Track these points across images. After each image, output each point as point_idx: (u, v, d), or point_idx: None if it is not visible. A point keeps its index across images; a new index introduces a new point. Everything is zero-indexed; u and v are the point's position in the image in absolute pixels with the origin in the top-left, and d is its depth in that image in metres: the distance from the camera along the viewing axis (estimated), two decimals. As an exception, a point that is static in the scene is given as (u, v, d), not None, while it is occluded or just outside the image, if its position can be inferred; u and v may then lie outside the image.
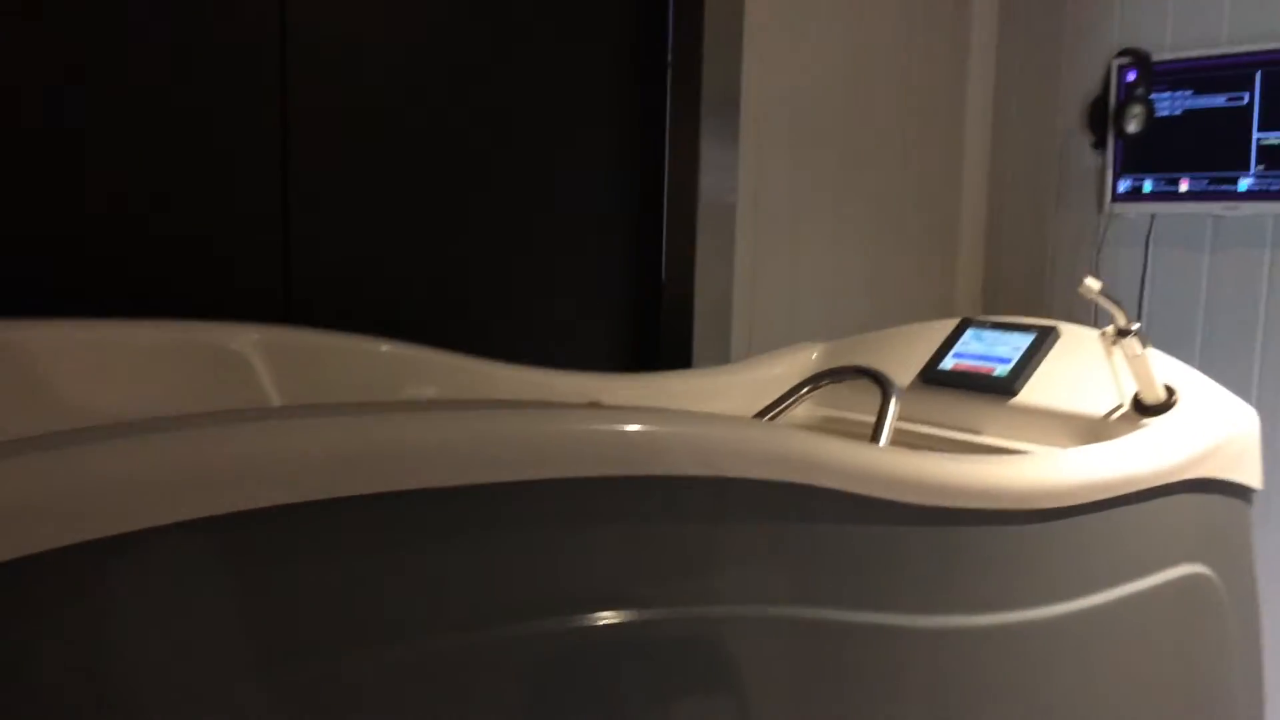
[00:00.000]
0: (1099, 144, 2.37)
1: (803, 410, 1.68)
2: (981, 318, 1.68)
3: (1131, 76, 2.26)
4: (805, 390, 1.48)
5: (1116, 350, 1.46)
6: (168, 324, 1.28)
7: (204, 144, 1.60)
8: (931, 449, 1.55)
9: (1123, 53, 2.28)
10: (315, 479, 0.69)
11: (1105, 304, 1.35)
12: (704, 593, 0.89)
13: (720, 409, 1.70)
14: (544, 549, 0.80)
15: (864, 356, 1.77)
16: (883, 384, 1.39)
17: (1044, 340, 1.56)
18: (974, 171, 2.60)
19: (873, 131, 2.43)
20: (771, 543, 0.92)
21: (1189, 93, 2.18)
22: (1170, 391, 1.38)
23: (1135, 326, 1.35)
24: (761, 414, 1.49)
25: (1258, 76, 2.07)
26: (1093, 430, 1.44)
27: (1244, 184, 2.10)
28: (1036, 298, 2.52)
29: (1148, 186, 2.25)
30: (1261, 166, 2.08)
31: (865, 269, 2.45)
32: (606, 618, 0.83)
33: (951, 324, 1.70)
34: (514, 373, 1.55)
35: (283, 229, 1.72)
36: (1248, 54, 2.09)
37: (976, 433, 1.55)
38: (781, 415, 1.50)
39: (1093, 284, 1.35)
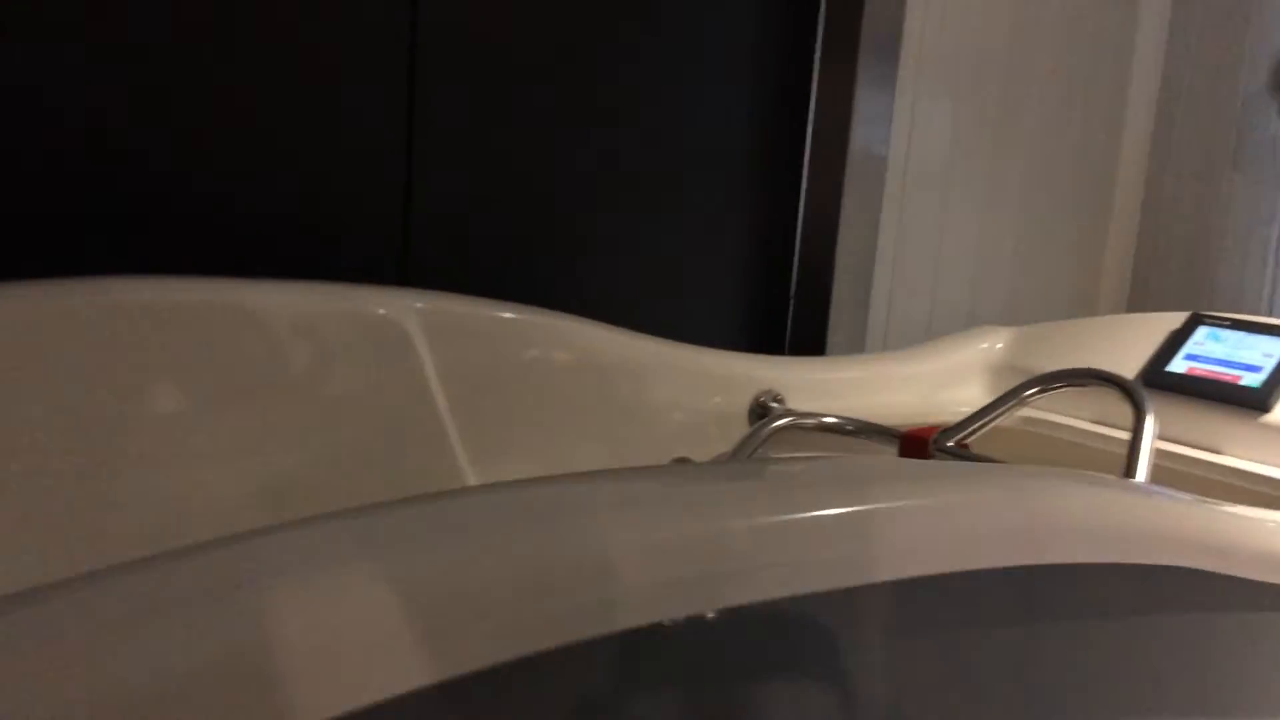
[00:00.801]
0: (1290, 109, 2.12)
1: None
2: (1217, 314, 1.44)
3: (1344, 34, 1.99)
4: (1033, 393, 1.26)
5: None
6: (318, 286, 1.07)
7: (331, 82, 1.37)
8: (1164, 467, 1.34)
9: (1335, 7, 2.01)
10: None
11: None
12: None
13: (902, 401, 1.48)
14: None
15: (1063, 348, 1.54)
16: (1136, 400, 1.17)
17: (1306, 346, 1.33)
18: (1136, 131, 2.34)
19: (1034, 82, 2.17)
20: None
21: None
22: None
23: None
24: (976, 417, 1.27)
25: None
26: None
27: None
28: (1197, 276, 2.28)
29: (1350, 161, 2.00)
30: None
31: (1014, 234, 2.21)
32: None
33: (1176, 318, 1.47)
34: (670, 350, 1.33)
35: (406, 169, 1.49)
36: None
37: (1215, 451, 1.33)
38: (998, 421, 1.28)
39: None
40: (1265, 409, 1.31)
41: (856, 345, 2.03)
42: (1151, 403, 1.17)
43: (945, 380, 1.54)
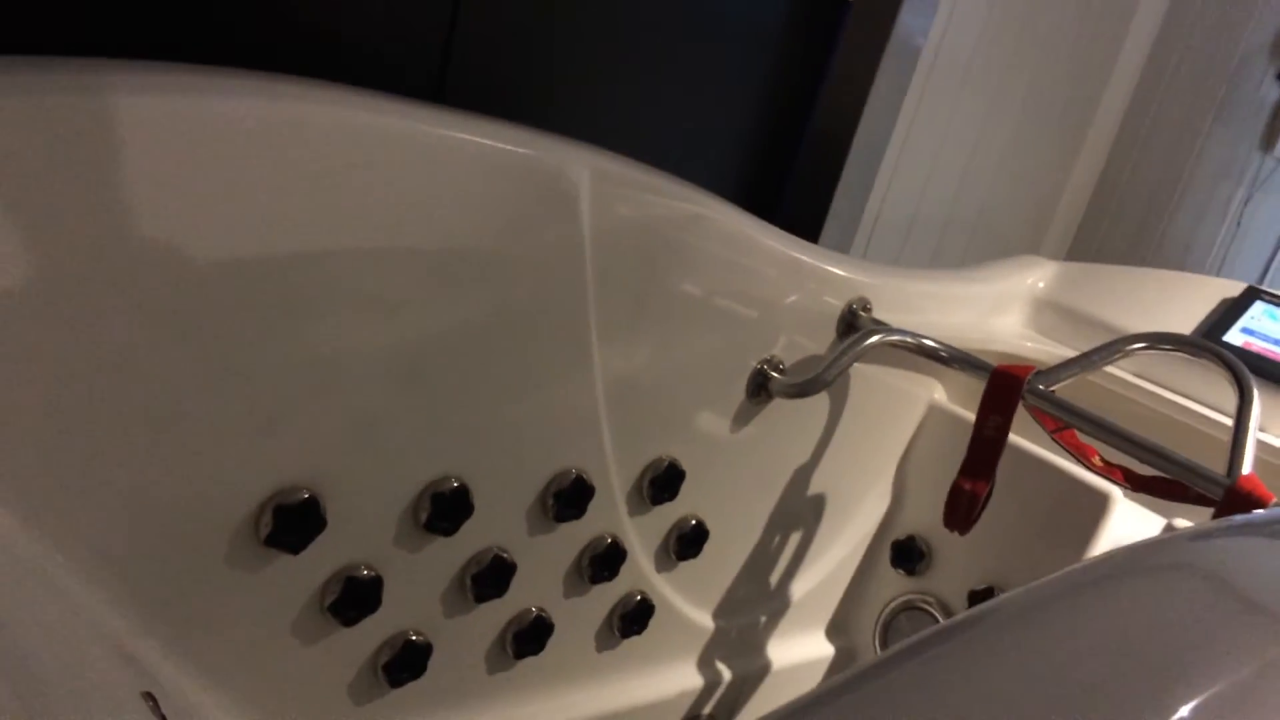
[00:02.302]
0: (1286, 77, 2.15)
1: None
2: (1272, 291, 1.45)
3: (1363, 16, 2.02)
4: (1137, 347, 1.22)
5: None
6: (499, 127, 0.87)
7: None
8: (1202, 434, 1.35)
9: (1361, -15, 2.03)
10: None
11: None
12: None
13: (956, 323, 1.43)
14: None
15: (1107, 295, 1.52)
16: (1244, 387, 1.15)
17: (1364, 341, 1.36)
18: (1128, 65, 2.32)
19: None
20: None
21: None
22: None
23: None
24: (1072, 365, 1.22)
25: None
26: None
27: None
28: (1151, 221, 2.32)
29: (1334, 142, 2.06)
30: None
31: (1001, 147, 2.18)
32: None
33: (1228, 286, 1.48)
34: (791, 246, 1.21)
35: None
36: None
37: (1263, 431, 1.35)
38: (1088, 369, 1.24)
39: None
40: (1320, 397, 1.33)
41: (848, 237, 1.96)
42: (1255, 389, 1.16)
43: (994, 307, 1.50)
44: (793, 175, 1.91)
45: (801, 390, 1.20)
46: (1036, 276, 1.55)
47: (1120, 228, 2.35)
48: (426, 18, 1.28)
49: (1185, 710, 0.42)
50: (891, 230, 2.04)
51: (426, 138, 0.82)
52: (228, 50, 1.11)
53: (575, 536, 1.10)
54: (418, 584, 0.98)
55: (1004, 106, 2.12)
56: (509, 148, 0.86)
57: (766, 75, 1.78)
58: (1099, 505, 1.29)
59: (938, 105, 1.98)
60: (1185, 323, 1.45)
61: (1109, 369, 1.30)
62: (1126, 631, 0.48)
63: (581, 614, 1.15)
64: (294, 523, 0.85)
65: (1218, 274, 2.19)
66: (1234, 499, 1.06)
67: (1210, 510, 1.08)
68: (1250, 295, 1.45)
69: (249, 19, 1.11)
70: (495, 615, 1.06)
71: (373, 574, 0.93)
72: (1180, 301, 1.48)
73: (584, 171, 0.94)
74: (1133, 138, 2.34)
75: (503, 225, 0.88)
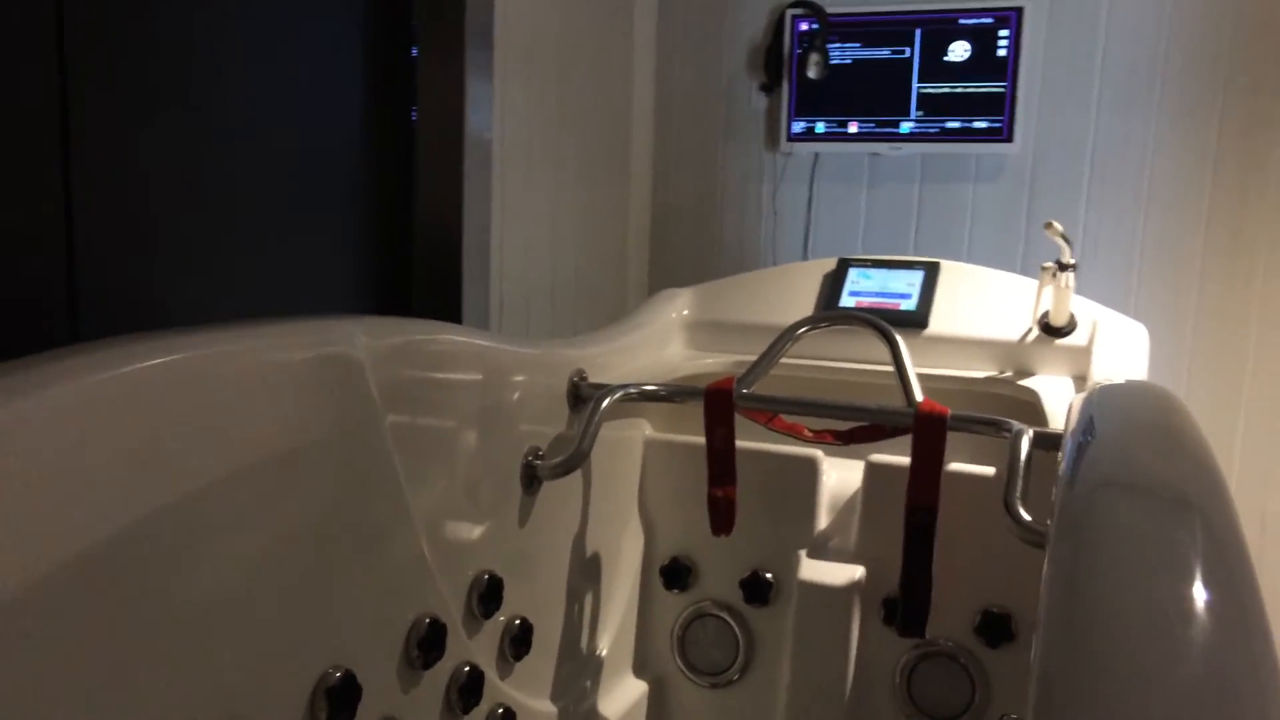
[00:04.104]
0: (768, 88, 2.58)
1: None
2: (859, 257, 1.78)
3: (806, 26, 2.48)
4: (803, 331, 1.46)
5: (1000, 278, 1.68)
6: (279, 327, 0.89)
7: None
8: (871, 384, 1.64)
9: (796, 4, 2.49)
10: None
11: (1060, 241, 1.54)
12: None
13: (645, 366, 1.61)
14: None
15: (740, 300, 1.78)
16: (888, 335, 1.42)
17: (933, 275, 1.71)
18: (642, 109, 2.66)
19: (576, 68, 2.37)
20: None
21: (858, 45, 2.46)
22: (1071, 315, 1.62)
23: (1073, 262, 1.56)
24: (758, 364, 1.43)
25: (917, 34, 2.41)
26: (1009, 354, 1.63)
27: (905, 127, 2.44)
28: (707, 229, 2.67)
29: (820, 128, 2.51)
30: (921, 112, 2.43)
31: (573, 210, 2.41)
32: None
33: (827, 264, 1.78)
34: (520, 346, 1.32)
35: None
36: (908, 12, 2.42)
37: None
38: (773, 363, 1.46)
39: (1057, 225, 1.52)
40: (925, 325, 1.67)
41: (484, 322, 2.09)
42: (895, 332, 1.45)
43: (662, 342, 1.69)
44: (417, 280, 2.01)
45: (567, 467, 1.31)
46: (679, 306, 1.78)
47: (683, 246, 2.69)
48: (40, 223, 1.23)
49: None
50: (514, 307, 2.19)
51: (217, 362, 0.83)
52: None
53: (439, 677, 1.13)
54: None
55: (564, 176, 2.35)
56: (289, 345, 0.90)
57: (364, 197, 1.87)
58: (810, 469, 1.52)
59: (517, 187, 2.16)
60: (806, 303, 1.74)
61: (785, 359, 1.54)
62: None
63: (462, 747, 1.18)
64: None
65: (773, 261, 2.58)
66: (922, 422, 1.32)
67: (909, 439, 1.33)
68: (843, 265, 1.77)
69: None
70: (399, 781, 1.07)
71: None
72: (793, 288, 1.77)
73: (359, 338, 0.99)
74: (666, 168, 2.69)
75: (309, 417, 0.91)
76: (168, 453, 0.79)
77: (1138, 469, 0.75)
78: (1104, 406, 0.95)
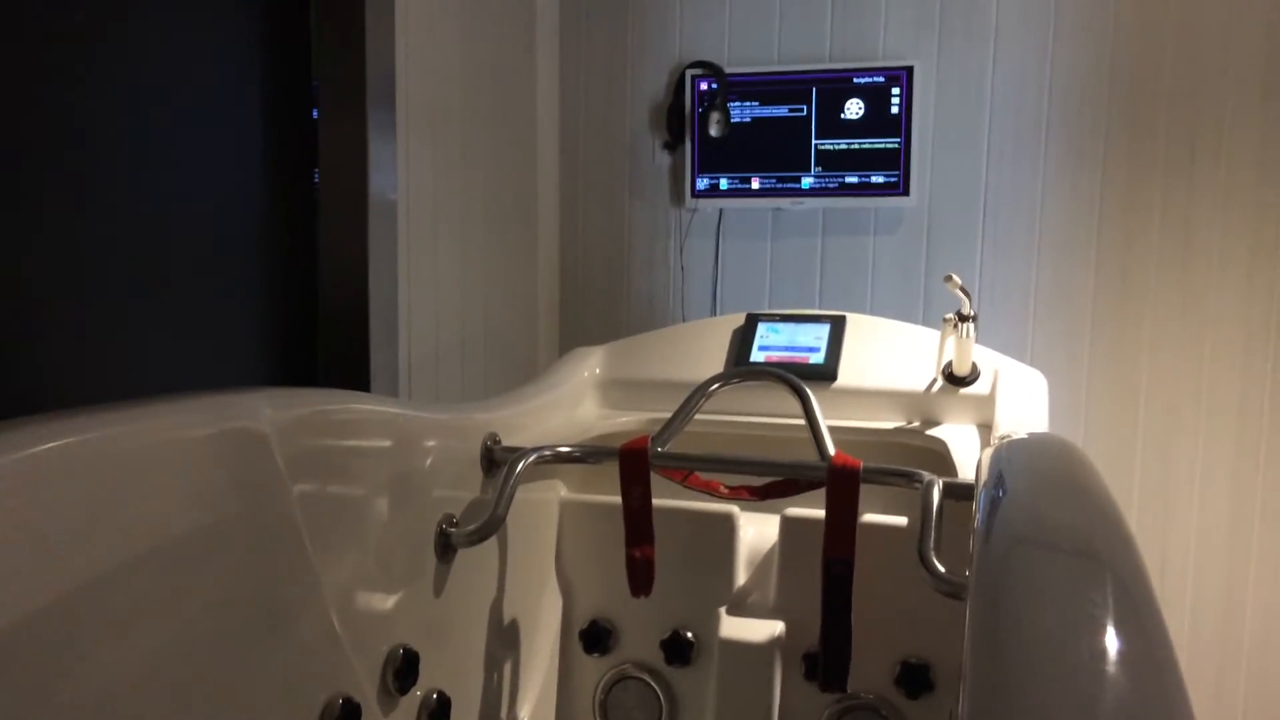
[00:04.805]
0: (670, 145, 2.61)
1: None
2: (767, 312, 1.80)
3: (706, 86, 2.53)
4: (715, 388, 1.46)
5: (904, 330, 1.71)
6: (180, 403, 0.86)
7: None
8: (784, 438, 1.65)
9: (695, 64, 2.54)
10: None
11: (959, 294, 1.58)
12: None
13: (558, 427, 1.60)
14: None
15: (651, 358, 1.78)
16: (797, 389, 1.43)
17: (840, 328, 1.74)
18: (547, 169, 2.67)
19: (480, 127, 2.37)
20: None
21: (756, 103, 2.51)
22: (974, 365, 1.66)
23: (973, 313, 1.60)
24: (672, 423, 1.44)
25: (813, 92, 2.47)
26: (916, 404, 1.66)
27: (806, 182, 2.50)
28: (617, 283, 2.69)
29: (724, 184, 2.55)
30: (820, 168, 2.49)
31: (482, 269, 2.40)
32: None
33: (735, 319, 1.80)
34: (430, 412, 1.30)
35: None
36: (804, 72, 2.48)
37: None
38: (687, 420, 1.47)
39: (955, 278, 1.56)
40: (834, 378, 1.69)
41: (392, 385, 2.06)
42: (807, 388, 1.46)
43: (575, 401, 1.69)
44: (323, 346, 1.97)
45: (482, 534, 1.29)
46: (590, 364, 1.77)
47: (592, 301, 2.69)
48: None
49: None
50: (423, 368, 2.17)
51: (116, 442, 0.81)
52: None
53: (355, 759, 1.09)
54: None
55: (471, 234, 2.34)
56: (191, 421, 0.87)
57: (266, 262, 1.84)
58: (727, 525, 1.52)
59: (423, 247, 2.14)
60: (717, 359, 1.75)
61: (699, 416, 1.54)
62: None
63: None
64: None
65: (682, 316, 2.60)
66: (835, 475, 1.33)
67: (823, 491, 1.34)
68: (752, 320, 1.78)
69: None
70: None
71: None
72: (703, 344, 1.78)
73: (264, 410, 0.96)
74: (574, 225, 2.70)
75: (213, 494, 0.88)
76: (63, 538, 0.75)
77: (1047, 524, 0.77)
78: (1012, 462, 0.97)
